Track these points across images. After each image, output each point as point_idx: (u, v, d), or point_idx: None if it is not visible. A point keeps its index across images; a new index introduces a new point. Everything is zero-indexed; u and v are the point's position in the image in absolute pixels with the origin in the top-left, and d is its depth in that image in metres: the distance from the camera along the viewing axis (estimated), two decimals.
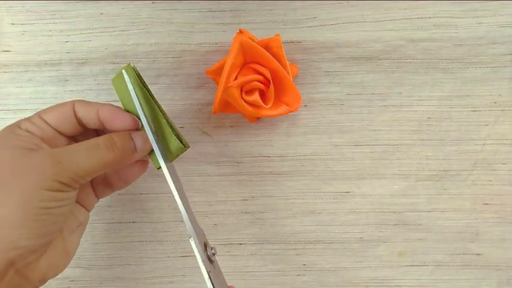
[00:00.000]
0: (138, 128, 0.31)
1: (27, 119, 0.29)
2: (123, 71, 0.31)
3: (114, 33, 0.38)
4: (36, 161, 0.26)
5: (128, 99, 0.31)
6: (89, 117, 0.30)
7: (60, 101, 0.38)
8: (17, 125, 0.29)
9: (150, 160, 0.32)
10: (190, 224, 0.29)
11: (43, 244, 0.27)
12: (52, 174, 0.26)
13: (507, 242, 0.37)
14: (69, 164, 0.27)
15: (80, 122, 0.30)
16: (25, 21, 0.38)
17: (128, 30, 0.38)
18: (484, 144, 0.38)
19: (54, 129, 0.29)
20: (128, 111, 0.31)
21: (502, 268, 0.37)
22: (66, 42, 0.38)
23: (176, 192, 0.29)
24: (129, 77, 0.31)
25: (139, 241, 0.38)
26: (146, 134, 0.30)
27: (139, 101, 0.31)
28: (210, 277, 0.27)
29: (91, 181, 0.32)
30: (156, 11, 0.38)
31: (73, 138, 0.31)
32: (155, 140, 0.30)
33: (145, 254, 0.38)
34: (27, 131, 0.28)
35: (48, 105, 0.38)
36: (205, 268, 0.28)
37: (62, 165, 0.26)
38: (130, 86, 0.31)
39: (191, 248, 0.28)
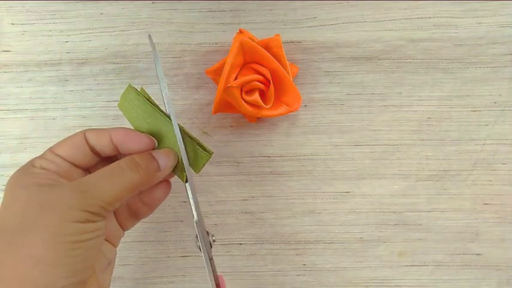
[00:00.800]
0: (155, 147, 0.29)
1: (40, 157, 0.28)
2: (128, 89, 0.30)
3: (114, 33, 0.38)
4: (59, 194, 0.25)
5: (139, 120, 0.30)
6: (102, 144, 0.29)
7: (61, 101, 0.38)
8: (31, 164, 0.27)
9: (176, 175, 0.31)
10: (197, 207, 0.29)
11: (79, 282, 0.25)
12: (79, 204, 0.25)
13: (507, 242, 0.37)
14: (95, 192, 0.25)
15: (93, 151, 0.29)
16: (25, 21, 0.38)
17: (128, 30, 0.38)
18: (484, 144, 0.38)
19: (69, 162, 0.28)
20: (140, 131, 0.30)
21: (502, 268, 0.37)
22: (66, 42, 0.38)
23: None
24: (137, 94, 0.30)
25: (139, 241, 0.38)
26: (168, 151, 0.29)
27: (159, 114, 0.30)
28: (211, 264, 0.27)
29: (115, 213, 0.31)
30: (156, 11, 0.38)
31: (88, 170, 0.30)
32: (183, 150, 0.29)
33: (145, 254, 0.38)
34: (42, 168, 0.27)
35: (48, 106, 0.38)
36: (208, 255, 0.28)
37: (88, 193, 0.25)
38: (141, 101, 0.30)
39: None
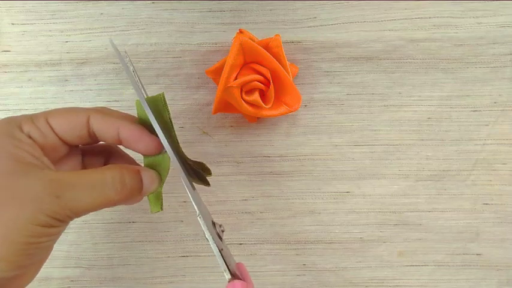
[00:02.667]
0: (162, 153, 0.28)
1: (32, 121, 0.25)
2: (161, 96, 0.28)
3: (114, 33, 0.38)
4: (32, 188, 0.23)
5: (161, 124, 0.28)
6: (107, 134, 0.27)
7: (61, 101, 0.38)
8: (19, 125, 0.25)
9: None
10: (198, 202, 0.27)
11: (21, 274, 0.24)
12: (48, 210, 0.23)
13: (507, 242, 0.37)
14: (68, 201, 0.23)
15: (91, 135, 0.27)
16: (25, 21, 0.38)
17: (128, 30, 0.38)
18: (484, 144, 0.38)
19: (59, 137, 0.26)
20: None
21: (502, 268, 0.37)
22: (66, 42, 0.38)
23: (184, 175, 0.27)
24: (165, 106, 0.28)
25: (140, 241, 0.38)
26: (155, 177, 0.28)
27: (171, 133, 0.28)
28: (222, 255, 0.26)
29: None
30: (156, 11, 0.38)
31: (76, 146, 0.28)
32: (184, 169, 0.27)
33: (145, 254, 0.38)
34: (29, 137, 0.25)
35: (48, 106, 0.38)
36: (217, 246, 0.26)
37: (61, 200, 0.23)
38: (166, 115, 0.28)
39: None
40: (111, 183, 0.25)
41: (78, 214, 0.24)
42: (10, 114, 0.38)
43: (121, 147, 0.30)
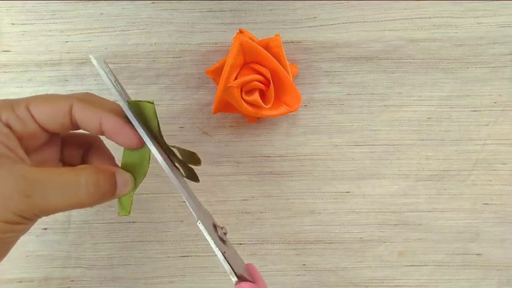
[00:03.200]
0: (143, 147, 0.27)
1: (11, 108, 0.24)
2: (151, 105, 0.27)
3: (114, 33, 0.38)
4: (3, 184, 0.22)
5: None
6: (89, 125, 0.26)
7: None
8: None
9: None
10: (195, 207, 0.26)
11: None
12: (16, 208, 0.22)
13: (507, 242, 0.37)
14: (38, 201, 0.23)
15: (73, 123, 0.26)
16: (25, 21, 0.38)
17: (128, 30, 0.38)
18: (484, 144, 0.38)
19: (40, 125, 0.25)
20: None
21: (502, 268, 0.37)
22: (66, 42, 0.38)
23: (171, 173, 0.26)
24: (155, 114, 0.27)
25: (140, 241, 0.38)
26: (129, 180, 0.27)
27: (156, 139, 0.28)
28: (225, 258, 0.25)
29: None
30: (156, 11, 0.38)
31: (56, 134, 0.28)
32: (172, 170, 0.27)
33: (145, 254, 0.38)
34: (7, 125, 0.24)
35: None
36: (219, 249, 0.25)
37: (31, 200, 0.22)
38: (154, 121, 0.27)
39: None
40: (84, 186, 0.24)
41: (46, 214, 0.24)
42: None
43: (103, 138, 0.29)
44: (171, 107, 0.38)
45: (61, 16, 0.38)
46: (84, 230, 0.38)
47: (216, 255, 0.25)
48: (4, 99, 0.25)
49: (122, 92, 0.29)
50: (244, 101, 0.34)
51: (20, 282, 0.37)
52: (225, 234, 0.27)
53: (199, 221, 0.26)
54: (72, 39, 0.38)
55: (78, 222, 0.38)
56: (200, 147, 0.38)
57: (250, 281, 0.26)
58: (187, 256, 0.38)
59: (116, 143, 0.27)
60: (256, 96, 0.34)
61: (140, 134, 0.26)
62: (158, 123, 0.27)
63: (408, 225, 0.38)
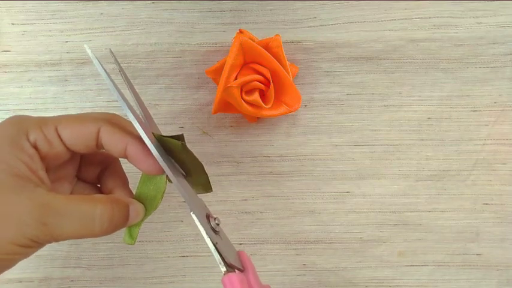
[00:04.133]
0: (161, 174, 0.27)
1: (40, 128, 0.25)
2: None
3: (114, 33, 0.38)
4: (21, 210, 0.23)
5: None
6: (114, 149, 0.26)
7: (61, 101, 0.38)
8: (26, 131, 0.25)
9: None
10: (188, 197, 0.26)
11: None
12: (31, 234, 0.23)
13: (507, 242, 0.37)
14: (53, 230, 0.24)
15: (99, 146, 0.27)
16: (25, 21, 0.38)
17: (128, 30, 0.38)
18: (484, 144, 0.38)
19: (66, 146, 0.26)
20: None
21: (502, 268, 0.37)
22: (66, 42, 0.38)
23: (163, 163, 0.26)
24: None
25: (139, 241, 0.38)
26: (141, 210, 0.28)
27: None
28: (216, 248, 0.25)
29: None
30: (156, 11, 0.38)
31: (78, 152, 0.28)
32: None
33: (145, 254, 0.38)
34: (34, 146, 0.25)
35: (48, 106, 0.38)
36: (211, 240, 0.25)
37: (46, 228, 0.23)
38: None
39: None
40: (99, 219, 0.25)
41: (58, 240, 0.24)
42: (10, 114, 0.38)
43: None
44: (171, 107, 0.38)
45: (61, 16, 0.38)
46: None
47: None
48: (34, 118, 0.26)
49: (129, 87, 0.29)
50: (244, 101, 0.34)
51: (20, 282, 0.37)
52: (217, 225, 0.27)
53: (192, 212, 0.26)
54: (72, 39, 0.38)
55: None
56: (200, 147, 0.38)
57: (240, 269, 0.26)
58: (187, 256, 0.38)
59: (138, 168, 0.27)
60: (256, 96, 0.34)
61: (162, 166, 0.26)
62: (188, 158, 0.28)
63: (408, 225, 0.38)
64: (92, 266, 0.38)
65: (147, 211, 0.28)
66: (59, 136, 0.26)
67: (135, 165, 0.27)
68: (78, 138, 0.26)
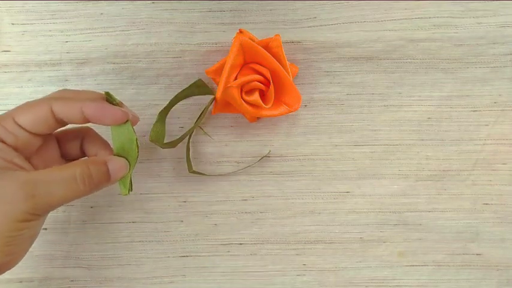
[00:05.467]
0: (128, 120, 0.30)
1: (0, 124, 0.27)
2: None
3: (114, 33, 0.38)
4: (9, 190, 0.25)
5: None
6: (72, 117, 0.28)
7: None
8: None
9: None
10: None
11: (9, 260, 0.28)
12: (26, 208, 0.26)
13: (507, 242, 0.37)
14: (44, 198, 0.26)
15: (58, 121, 0.29)
16: (25, 21, 0.38)
17: (128, 30, 0.38)
18: (484, 144, 0.38)
19: (30, 132, 0.28)
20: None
21: (502, 268, 0.37)
22: (66, 42, 0.38)
23: None
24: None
25: (140, 241, 0.38)
26: (122, 164, 0.30)
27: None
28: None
29: None
30: (156, 11, 0.38)
31: (49, 135, 0.30)
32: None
33: (145, 254, 0.38)
34: (0, 141, 0.27)
35: None
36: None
37: (37, 198, 0.26)
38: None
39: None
40: (80, 178, 0.27)
41: (53, 207, 0.27)
42: None
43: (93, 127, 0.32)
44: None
45: (61, 16, 0.38)
46: (84, 230, 0.38)
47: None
48: None
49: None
50: (244, 101, 0.34)
51: (20, 282, 0.37)
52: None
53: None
54: (72, 39, 0.38)
55: (78, 222, 0.38)
56: (200, 147, 0.38)
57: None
58: (187, 256, 0.38)
59: (103, 124, 0.29)
60: (256, 96, 0.34)
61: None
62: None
63: (408, 225, 0.38)
64: (92, 266, 0.38)
65: (130, 162, 0.31)
66: (19, 125, 0.28)
67: (100, 123, 0.29)
68: (36, 121, 0.28)
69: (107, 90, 0.31)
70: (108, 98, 0.30)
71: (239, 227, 0.38)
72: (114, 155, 0.31)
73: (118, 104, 0.31)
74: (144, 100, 0.38)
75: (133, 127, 0.31)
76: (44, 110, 0.28)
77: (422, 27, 0.38)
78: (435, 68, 0.38)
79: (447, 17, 0.38)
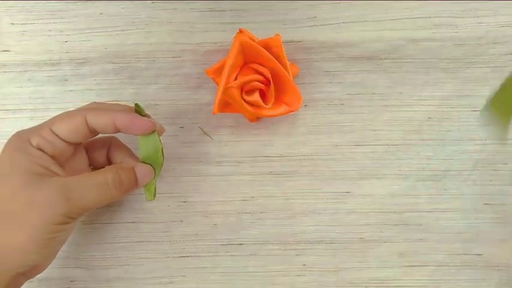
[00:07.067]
0: (155, 130, 0.32)
1: (38, 133, 0.29)
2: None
3: (114, 33, 0.38)
4: (47, 195, 0.28)
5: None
6: (104, 127, 0.31)
7: (60, 101, 0.38)
8: (28, 139, 0.29)
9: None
10: None
11: (43, 262, 0.31)
12: (62, 211, 0.28)
13: (507, 242, 0.37)
14: (79, 201, 0.28)
15: (91, 131, 0.31)
16: (25, 21, 0.38)
17: (128, 30, 0.38)
18: (484, 144, 0.38)
19: (65, 141, 0.30)
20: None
21: (502, 268, 0.37)
22: (66, 42, 0.38)
23: None
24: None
25: (139, 241, 0.38)
26: (149, 170, 0.32)
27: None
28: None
29: None
30: (156, 11, 0.38)
31: (79, 144, 0.33)
32: None
33: (144, 254, 0.38)
34: (39, 149, 0.29)
35: (48, 106, 0.38)
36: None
37: (72, 202, 0.28)
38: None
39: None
40: (111, 183, 0.30)
41: (86, 210, 0.29)
42: (10, 114, 0.38)
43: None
44: (171, 107, 0.38)
45: (60, 16, 0.38)
46: (84, 230, 0.38)
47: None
48: (31, 128, 0.30)
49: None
50: (244, 101, 0.34)
51: None
52: None
53: None
54: (71, 39, 0.38)
55: (78, 222, 0.38)
56: (200, 147, 0.38)
57: None
58: (187, 256, 0.38)
59: (133, 134, 0.31)
60: (256, 96, 0.34)
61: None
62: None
63: (409, 226, 0.38)
64: (92, 266, 0.38)
65: (155, 169, 0.33)
66: (56, 135, 0.30)
67: (130, 132, 0.31)
68: (72, 131, 0.30)
69: (136, 102, 0.32)
70: (137, 109, 0.32)
71: (239, 227, 0.38)
72: (140, 162, 0.33)
73: (146, 115, 0.32)
74: (143, 100, 0.38)
75: (160, 137, 0.33)
76: (79, 120, 0.30)
77: (422, 27, 0.38)
78: (436, 67, 0.38)
79: (447, 16, 0.38)
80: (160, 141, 0.32)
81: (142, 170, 0.32)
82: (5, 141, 0.38)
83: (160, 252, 0.38)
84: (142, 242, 0.38)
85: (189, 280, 0.38)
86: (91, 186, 0.29)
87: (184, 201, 0.38)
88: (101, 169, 0.31)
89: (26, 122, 0.38)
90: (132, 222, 0.38)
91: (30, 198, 0.28)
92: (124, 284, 0.37)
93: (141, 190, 0.34)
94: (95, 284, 0.37)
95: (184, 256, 0.38)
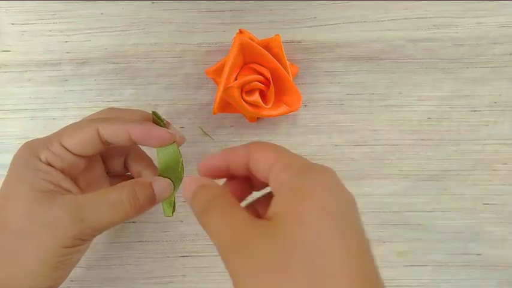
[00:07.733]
0: (175, 141, 0.30)
1: (47, 147, 0.27)
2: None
3: (114, 33, 0.38)
4: (57, 215, 0.26)
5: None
6: (119, 140, 0.28)
7: (60, 101, 0.38)
8: (36, 154, 0.27)
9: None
10: None
11: (62, 280, 0.29)
12: (73, 233, 0.26)
13: (507, 242, 0.37)
14: (91, 223, 0.27)
15: (104, 143, 0.29)
16: (25, 21, 0.38)
17: (128, 30, 0.38)
18: (484, 144, 0.38)
19: (76, 155, 0.28)
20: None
21: (502, 268, 0.37)
22: (66, 42, 0.38)
23: None
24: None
25: (139, 241, 0.38)
26: (167, 185, 0.29)
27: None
28: None
29: None
30: (156, 11, 0.38)
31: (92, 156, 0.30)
32: None
33: (145, 254, 0.38)
34: (48, 164, 0.27)
35: (48, 106, 0.38)
36: None
37: (84, 223, 0.26)
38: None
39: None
40: (126, 202, 0.27)
41: (100, 231, 0.28)
42: (10, 114, 0.38)
43: None
44: (171, 107, 0.38)
45: (61, 16, 0.38)
46: None
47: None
48: (40, 140, 0.28)
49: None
50: (244, 101, 0.34)
51: None
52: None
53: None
54: (71, 39, 0.38)
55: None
56: (200, 147, 0.38)
57: None
58: (187, 256, 0.38)
59: (150, 146, 0.29)
60: (256, 97, 0.34)
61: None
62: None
63: (408, 225, 0.38)
64: (92, 266, 0.38)
65: (175, 183, 0.30)
66: (66, 149, 0.28)
67: (146, 145, 0.29)
68: (82, 144, 0.28)
69: (154, 110, 0.30)
70: (155, 118, 0.30)
71: None
72: (159, 174, 0.30)
73: (165, 125, 0.30)
74: (144, 100, 0.38)
75: (179, 148, 0.30)
76: (90, 133, 0.28)
77: (422, 27, 0.38)
78: (435, 67, 0.38)
79: (447, 17, 0.38)
80: (179, 152, 0.30)
81: (160, 185, 0.29)
82: (5, 141, 0.38)
83: (160, 252, 0.38)
84: (143, 241, 0.38)
85: (189, 280, 0.38)
86: (105, 204, 0.27)
87: (184, 201, 0.38)
88: (116, 185, 0.28)
89: (26, 122, 0.38)
90: (133, 222, 0.38)
91: (39, 218, 0.26)
92: (124, 284, 0.37)
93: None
94: (95, 284, 0.38)
95: (184, 256, 0.38)
